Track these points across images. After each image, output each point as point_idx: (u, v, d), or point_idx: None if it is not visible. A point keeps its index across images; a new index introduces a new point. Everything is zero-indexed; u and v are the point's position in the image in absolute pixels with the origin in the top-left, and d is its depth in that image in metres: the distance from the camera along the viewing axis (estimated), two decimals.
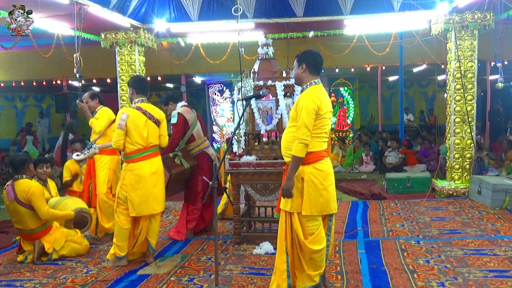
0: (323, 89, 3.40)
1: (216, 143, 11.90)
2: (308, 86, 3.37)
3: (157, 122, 4.34)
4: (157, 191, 4.29)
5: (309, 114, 3.19)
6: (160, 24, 7.35)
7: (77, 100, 5.22)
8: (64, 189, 5.83)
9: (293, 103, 4.78)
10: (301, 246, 3.32)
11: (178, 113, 4.98)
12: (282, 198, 3.37)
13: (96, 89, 5.22)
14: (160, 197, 4.34)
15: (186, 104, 5.26)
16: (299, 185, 3.29)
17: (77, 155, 4.88)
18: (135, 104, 4.35)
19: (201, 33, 7.94)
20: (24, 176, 4.49)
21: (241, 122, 4.37)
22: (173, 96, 5.38)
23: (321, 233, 3.34)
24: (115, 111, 5.44)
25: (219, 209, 5.87)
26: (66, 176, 6.22)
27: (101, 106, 5.23)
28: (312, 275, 3.33)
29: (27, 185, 4.41)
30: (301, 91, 3.44)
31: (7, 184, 4.56)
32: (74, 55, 5.83)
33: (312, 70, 3.39)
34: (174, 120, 4.96)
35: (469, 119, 6.77)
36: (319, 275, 3.37)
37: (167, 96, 5.30)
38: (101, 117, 5.08)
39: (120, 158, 5.13)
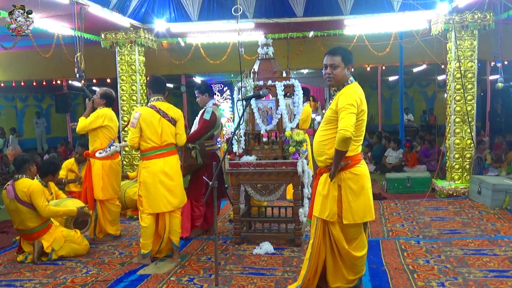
0: (360, 87, 3.28)
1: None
2: (346, 85, 3.25)
3: (172, 121, 4.34)
4: (170, 190, 4.28)
5: (352, 109, 3.06)
6: (160, 24, 7.35)
7: (87, 99, 5.18)
8: (59, 184, 5.82)
9: (293, 103, 4.81)
10: (342, 253, 3.26)
11: (212, 111, 5.05)
12: (316, 205, 3.31)
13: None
14: (174, 195, 4.32)
15: (216, 103, 5.35)
16: (335, 192, 3.20)
17: (100, 153, 4.91)
18: (150, 103, 4.40)
19: (201, 33, 7.94)
20: (24, 175, 4.51)
21: (241, 122, 4.37)
22: (211, 90, 5.46)
23: (363, 238, 3.30)
24: (115, 111, 5.43)
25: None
26: (62, 175, 6.22)
27: (103, 107, 5.13)
28: (351, 279, 3.31)
29: (27, 184, 4.43)
30: (337, 90, 3.29)
31: (7, 183, 4.58)
32: (76, 55, 5.81)
33: (351, 69, 3.31)
34: (207, 116, 5.03)
35: (469, 119, 6.77)
36: (358, 278, 3.36)
37: (207, 87, 5.36)
38: (90, 117, 5.00)
39: (112, 162, 5.08)
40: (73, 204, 4.92)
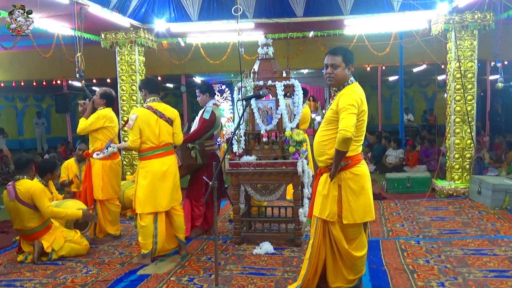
0: (360, 87, 3.28)
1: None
2: (346, 85, 3.25)
3: (169, 121, 4.38)
4: (165, 189, 4.29)
5: (353, 109, 3.06)
6: (160, 24, 7.35)
7: (87, 100, 5.12)
8: (62, 187, 5.81)
9: (293, 103, 4.81)
10: (342, 253, 3.26)
11: (212, 111, 5.04)
12: (316, 205, 3.32)
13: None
14: (169, 195, 4.32)
15: (216, 103, 5.35)
16: (335, 192, 3.21)
17: (97, 154, 4.89)
18: (146, 103, 4.41)
19: (201, 33, 7.94)
20: (25, 176, 4.51)
21: (241, 122, 4.37)
22: (212, 89, 5.46)
23: (363, 238, 3.30)
24: (115, 111, 5.43)
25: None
26: (64, 177, 6.22)
27: (104, 107, 5.11)
28: (351, 279, 3.31)
29: (29, 185, 4.42)
30: (337, 91, 3.28)
31: (8, 184, 4.57)
32: (76, 55, 5.80)
33: (352, 69, 3.31)
34: (207, 115, 5.02)
35: (469, 119, 6.77)
36: (358, 278, 3.37)
37: (207, 87, 5.36)
38: (90, 118, 4.98)
39: (112, 162, 5.07)
40: (74, 205, 4.91)
